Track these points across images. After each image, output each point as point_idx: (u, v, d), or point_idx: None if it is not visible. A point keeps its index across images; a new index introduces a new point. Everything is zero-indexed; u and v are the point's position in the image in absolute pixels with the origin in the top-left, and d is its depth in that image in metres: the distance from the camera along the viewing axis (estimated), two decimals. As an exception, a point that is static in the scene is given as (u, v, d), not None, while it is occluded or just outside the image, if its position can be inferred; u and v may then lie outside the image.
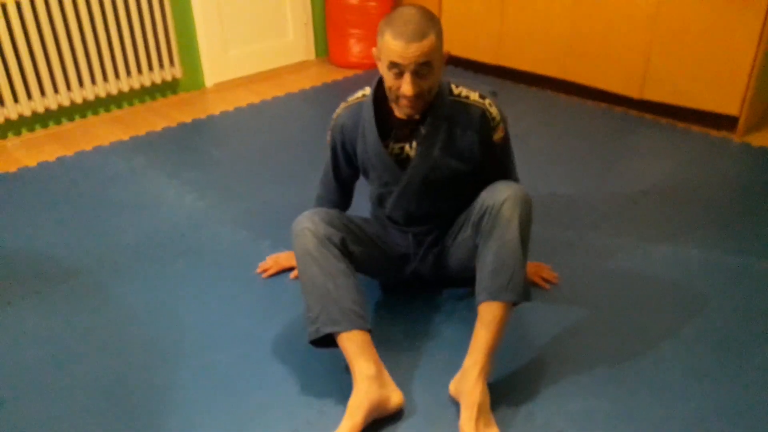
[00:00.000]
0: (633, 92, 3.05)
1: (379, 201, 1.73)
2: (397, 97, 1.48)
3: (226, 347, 1.67)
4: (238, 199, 2.41)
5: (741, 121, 2.77)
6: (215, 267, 2.01)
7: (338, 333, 1.44)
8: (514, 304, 1.48)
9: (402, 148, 1.60)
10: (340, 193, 1.83)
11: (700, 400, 1.47)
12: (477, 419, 1.35)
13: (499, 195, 1.49)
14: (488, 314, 1.44)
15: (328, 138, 1.73)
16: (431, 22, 1.43)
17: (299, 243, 1.52)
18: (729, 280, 1.88)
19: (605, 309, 1.77)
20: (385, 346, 1.60)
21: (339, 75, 3.80)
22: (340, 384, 1.53)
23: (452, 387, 1.48)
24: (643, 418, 1.43)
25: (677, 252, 2.01)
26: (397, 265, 1.77)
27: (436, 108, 1.54)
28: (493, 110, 1.58)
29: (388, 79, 1.46)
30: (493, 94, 1.63)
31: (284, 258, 1.98)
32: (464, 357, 1.46)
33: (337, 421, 1.41)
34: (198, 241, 2.15)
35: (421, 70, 1.42)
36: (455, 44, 3.73)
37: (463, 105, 1.57)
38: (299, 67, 3.97)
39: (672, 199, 2.32)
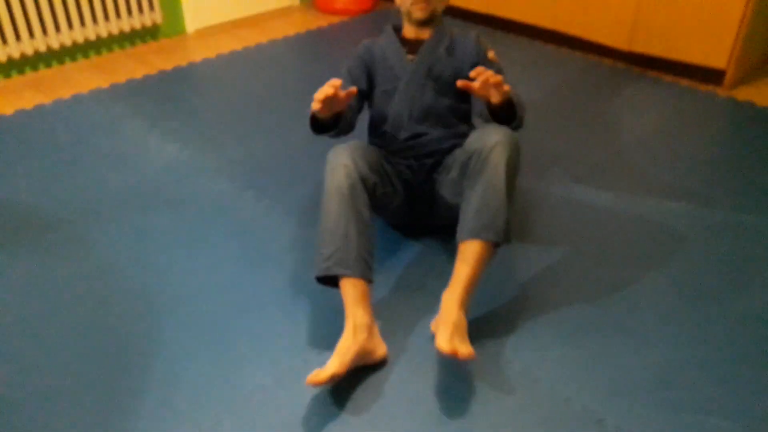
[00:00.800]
0: (622, 44, 3.02)
1: (384, 103, 1.81)
2: (411, 5, 1.75)
3: (210, 297, 1.68)
4: (220, 149, 2.38)
5: (728, 75, 2.77)
6: (198, 217, 2.00)
7: (346, 276, 1.47)
8: (495, 246, 1.50)
9: (412, 60, 1.81)
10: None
11: (673, 347, 1.51)
12: (451, 336, 1.35)
13: (488, 138, 1.52)
14: (468, 251, 1.48)
15: (347, 64, 1.87)
16: None
17: (333, 178, 1.53)
18: (710, 232, 1.91)
19: (587, 260, 1.80)
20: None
21: (324, 21, 3.71)
22: (324, 333, 1.55)
23: (433, 324, 1.53)
24: (617, 365, 1.47)
25: (661, 205, 2.03)
26: (406, 199, 1.80)
27: (440, 27, 1.82)
28: (483, 40, 1.85)
29: None
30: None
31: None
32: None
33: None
34: (180, 191, 2.13)
35: None
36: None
37: (462, 32, 1.87)
38: (283, 12, 3.87)
39: (657, 152, 2.33)
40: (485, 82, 1.48)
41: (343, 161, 1.54)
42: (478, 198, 1.49)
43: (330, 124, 1.68)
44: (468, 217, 1.50)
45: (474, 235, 1.48)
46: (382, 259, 1.81)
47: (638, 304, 1.64)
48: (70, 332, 1.58)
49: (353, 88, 1.53)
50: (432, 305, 1.62)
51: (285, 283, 1.73)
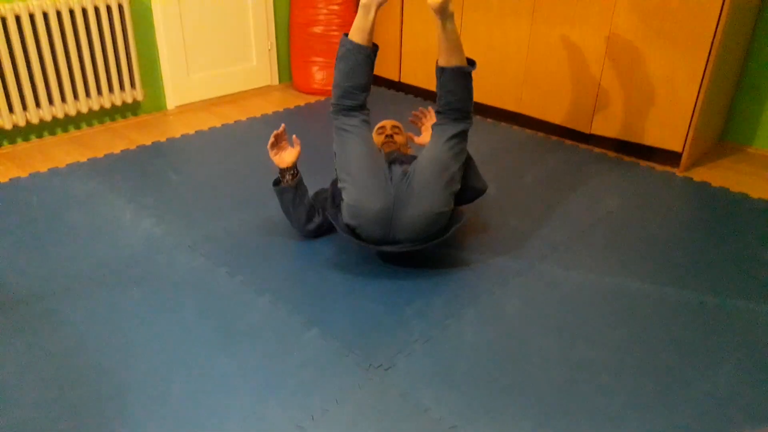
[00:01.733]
0: (583, 127, 3.18)
1: None
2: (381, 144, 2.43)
3: (179, 378, 1.68)
4: (196, 224, 2.42)
5: (684, 157, 2.92)
6: (171, 295, 2.01)
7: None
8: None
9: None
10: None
11: (639, 430, 1.54)
12: None
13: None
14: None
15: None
16: None
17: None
18: (669, 313, 1.97)
19: (552, 339, 1.84)
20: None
21: (301, 101, 3.85)
22: (293, 418, 1.55)
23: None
24: (584, 447, 1.49)
25: (621, 284, 2.10)
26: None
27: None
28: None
29: None
30: None
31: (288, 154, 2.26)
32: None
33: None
34: (154, 267, 2.15)
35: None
36: (414, 75, 3.83)
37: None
38: (262, 91, 4.00)
39: (618, 231, 2.43)
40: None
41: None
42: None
43: (290, 183, 2.21)
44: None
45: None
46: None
47: (605, 386, 1.68)
48: (36, 413, 1.55)
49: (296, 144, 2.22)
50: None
51: (256, 363, 1.73)
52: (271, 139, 2.18)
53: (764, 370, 1.73)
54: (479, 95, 3.54)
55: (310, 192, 2.30)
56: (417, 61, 3.78)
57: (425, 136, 2.49)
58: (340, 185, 2.11)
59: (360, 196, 2.02)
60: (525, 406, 1.60)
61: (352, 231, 2.11)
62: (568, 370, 1.73)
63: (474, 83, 3.54)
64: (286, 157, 2.21)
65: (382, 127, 2.45)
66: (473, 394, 1.63)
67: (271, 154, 2.20)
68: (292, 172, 2.21)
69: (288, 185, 2.20)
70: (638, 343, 1.83)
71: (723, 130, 3.24)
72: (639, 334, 1.87)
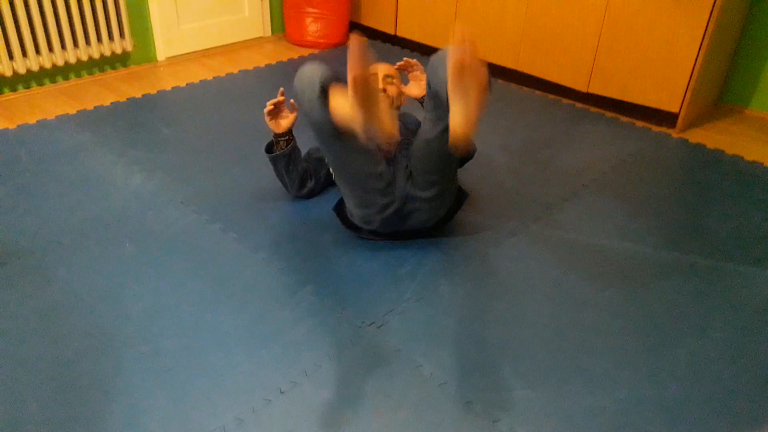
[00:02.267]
0: (581, 85, 3.14)
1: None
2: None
3: (171, 334, 1.69)
4: (187, 180, 2.40)
5: (680, 118, 2.90)
6: (163, 251, 2.00)
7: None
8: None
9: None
10: None
11: (629, 389, 1.57)
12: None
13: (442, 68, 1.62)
14: None
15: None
16: None
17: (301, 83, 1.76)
18: (660, 274, 1.99)
19: (544, 300, 1.86)
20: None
21: (294, 53, 3.77)
22: (287, 374, 1.57)
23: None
24: (575, 407, 1.52)
25: (613, 245, 2.11)
26: (380, 181, 1.92)
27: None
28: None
29: None
30: None
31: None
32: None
33: (282, 411, 1.46)
34: (145, 223, 2.13)
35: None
36: (412, 29, 3.74)
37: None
38: (254, 43, 3.92)
39: (612, 191, 2.43)
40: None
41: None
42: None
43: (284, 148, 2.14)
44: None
45: None
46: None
47: (595, 346, 1.70)
48: (25, 369, 1.56)
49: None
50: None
51: (248, 320, 1.74)
52: (269, 107, 2.08)
53: (753, 333, 1.76)
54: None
55: (303, 151, 2.27)
56: (414, 13, 3.69)
57: (413, 86, 2.27)
58: (341, 190, 1.99)
59: (365, 211, 1.95)
60: (514, 364, 1.63)
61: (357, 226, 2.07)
62: (558, 329, 1.75)
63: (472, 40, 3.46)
64: (283, 122, 2.13)
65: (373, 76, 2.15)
66: (464, 351, 1.65)
67: (267, 119, 2.11)
68: (286, 137, 2.14)
69: (282, 151, 2.14)
70: (628, 304, 1.85)
71: (721, 92, 3.21)
72: (629, 294, 1.89)
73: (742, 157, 2.72)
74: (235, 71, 3.45)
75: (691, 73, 2.79)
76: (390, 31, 3.89)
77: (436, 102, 1.72)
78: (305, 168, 2.23)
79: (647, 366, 1.64)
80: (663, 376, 1.61)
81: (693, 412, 1.51)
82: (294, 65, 3.56)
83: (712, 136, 2.92)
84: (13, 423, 1.42)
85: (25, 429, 1.40)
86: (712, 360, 1.67)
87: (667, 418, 1.49)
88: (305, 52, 3.80)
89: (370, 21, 3.96)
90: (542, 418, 1.48)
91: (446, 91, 1.57)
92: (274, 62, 3.60)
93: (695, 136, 2.92)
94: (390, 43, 3.97)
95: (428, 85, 1.73)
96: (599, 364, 1.64)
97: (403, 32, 3.81)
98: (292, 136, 2.17)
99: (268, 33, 4.01)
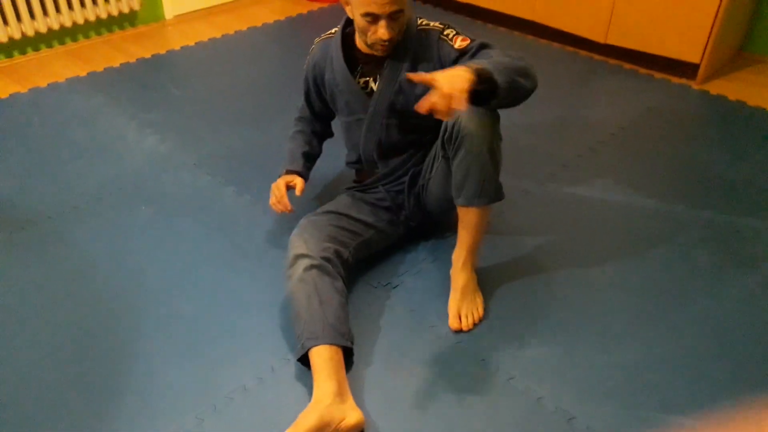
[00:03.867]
0: (598, 36, 3.05)
1: (350, 134, 1.80)
2: (373, 42, 1.57)
3: (189, 296, 1.71)
4: (200, 142, 2.39)
5: (701, 69, 2.81)
6: (178, 213, 2.01)
7: (314, 347, 1.42)
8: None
9: (367, 83, 1.69)
10: (319, 125, 1.93)
11: (643, 347, 1.57)
12: (461, 299, 1.62)
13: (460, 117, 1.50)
14: (466, 217, 1.61)
15: (304, 87, 1.85)
16: None
17: (294, 272, 1.54)
18: (677, 230, 1.96)
19: (559, 258, 1.85)
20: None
21: (303, 8, 3.69)
22: (303, 332, 1.59)
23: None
24: (589, 365, 1.52)
25: (631, 202, 2.09)
26: (389, 225, 1.81)
27: (400, 44, 1.62)
28: (449, 30, 1.66)
29: (361, 23, 1.54)
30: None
31: (282, 183, 1.82)
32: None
33: (301, 369, 1.48)
34: (160, 186, 2.14)
35: (395, 15, 1.52)
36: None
37: (425, 32, 1.65)
38: (263, -2, 3.83)
39: (630, 147, 2.38)
40: (436, 108, 1.25)
41: (298, 251, 1.56)
42: (466, 166, 1.52)
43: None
44: (458, 182, 1.56)
45: (468, 202, 1.57)
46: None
47: (609, 304, 1.70)
48: (46, 333, 1.59)
49: (300, 185, 1.80)
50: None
51: (266, 281, 1.75)
52: (274, 201, 1.82)
53: (769, 289, 1.74)
54: (491, 1, 3.37)
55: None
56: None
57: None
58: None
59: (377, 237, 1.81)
60: (529, 323, 1.63)
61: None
62: (573, 288, 1.75)
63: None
64: (297, 191, 1.83)
65: (375, 17, 1.52)
66: (479, 312, 1.66)
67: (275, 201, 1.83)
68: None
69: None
70: (644, 261, 1.84)
71: (743, 41, 3.10)
72: (645, 252, 1.88)
73: (765, 109, 2.65)
74: (244, 28, 3.39)
75: (714, 20, 2.69)
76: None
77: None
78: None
79: (664, 323, 1.64)
80: (678, 335, 1.61)
81: (710, 371, 1.51)
82: (304, 21, 3.49)
83: (734, 87, 2.83)
84: (34, 386, 1.46)
85: (46, 390, 1.44)
86: (727, 319, 1.66)
87: (684, 376, 1.50)
88: (315, 6, 3.71)
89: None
90: (557, 375, 1.49)
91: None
92: (283, 18, 3.53)
93: (716, 87, 2.84)
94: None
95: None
96: (615, 322, 1.64)
97: (414, -16, 3.70)
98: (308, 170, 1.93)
99: (277, -13, 3.92)
